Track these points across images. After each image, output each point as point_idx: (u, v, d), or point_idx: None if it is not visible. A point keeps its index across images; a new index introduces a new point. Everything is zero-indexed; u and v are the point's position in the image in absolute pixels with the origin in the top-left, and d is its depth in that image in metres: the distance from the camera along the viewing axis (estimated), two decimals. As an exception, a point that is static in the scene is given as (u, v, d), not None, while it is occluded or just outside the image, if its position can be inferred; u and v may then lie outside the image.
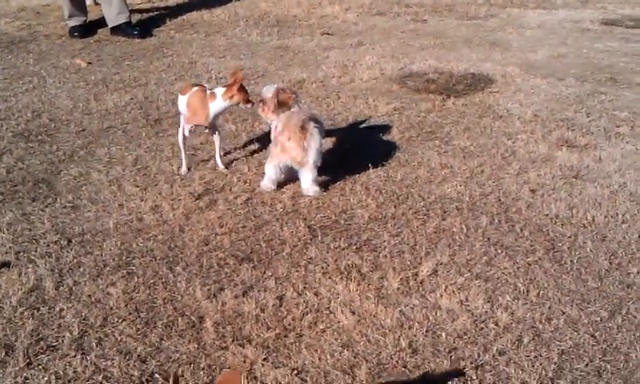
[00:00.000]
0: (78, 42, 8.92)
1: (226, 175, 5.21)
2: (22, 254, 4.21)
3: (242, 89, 5.07)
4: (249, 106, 5.15)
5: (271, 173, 4.97)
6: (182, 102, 5.21)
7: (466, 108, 6.65)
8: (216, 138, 5.30)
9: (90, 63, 8.02)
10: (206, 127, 5.26)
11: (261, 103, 5.13)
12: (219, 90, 5.07)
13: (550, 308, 3.75)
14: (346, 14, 10.65)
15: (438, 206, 4.80)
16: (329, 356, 3.36)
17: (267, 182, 5.01)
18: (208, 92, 5.12)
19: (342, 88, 7.22)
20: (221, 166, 5.31)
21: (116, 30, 9.14)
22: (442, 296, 3.81)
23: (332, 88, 7.21)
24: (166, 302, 3.77)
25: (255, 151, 5.63)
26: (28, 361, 3.33)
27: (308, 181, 4.94)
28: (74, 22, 9.14)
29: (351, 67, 7.89)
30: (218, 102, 5.05)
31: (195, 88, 5.21)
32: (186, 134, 5.22)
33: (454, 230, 4.51)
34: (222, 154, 5.38)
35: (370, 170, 5.29)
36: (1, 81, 7.35)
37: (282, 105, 5.04)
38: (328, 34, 9.60)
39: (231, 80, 5.05)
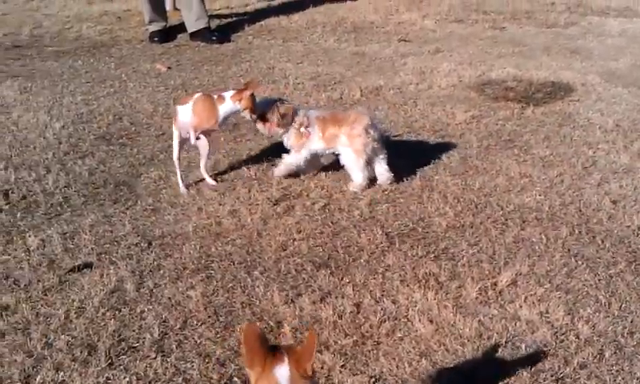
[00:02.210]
0: (158, 46, 9.11)
1: (303, 181, 5.22)
2: (103, 255, 4.29)
3: (251, 97, 5.01)
4: (253, 116, 5.12)
5: (365, 171, 5.08)
6: (185, 111, 4.99)
7: (546, 117, 6.56)
8: (203, 149, 5.20)
9: (169, 68, 8.15)
10: (210, 133, 5.17)
11: (261, 121, 5.19)
12: (228, 93, 5.04)
13: (632, 322, 3.68)
14: (423, 21, 10.63)
15: (517, 216, 4.75)
16: (406, 364, 3.35)
17: (363, 181, 5.09)
18: (215, 96, 5.07)
19: (420, 95, 7.19)
20: (209, 180, 5.28)
21: (195, 35, 9.29)
22: (521, 307, 3.76)
23: (409, 95, 7.19)
24: (245, 306, 3.79)
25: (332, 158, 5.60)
26: (110, 361, 3.38)
27: (387, 167, 5.13)
28: (154, 27, 9.33)
29: (429, 74, 7.87)
30: (227, 104, 4.99)
31: (198, 94, 5.11)
32: (192, 141, 5.06)
33: (534, 240, 4.46)
34: (207, 166, 5.32)
35: (448, 178, 5.25)
36: (83, 84, 7.51)
37: (284, 116, 5.10)
38: (405, 40, 9.59)
39: (244, 86, 5.05)
